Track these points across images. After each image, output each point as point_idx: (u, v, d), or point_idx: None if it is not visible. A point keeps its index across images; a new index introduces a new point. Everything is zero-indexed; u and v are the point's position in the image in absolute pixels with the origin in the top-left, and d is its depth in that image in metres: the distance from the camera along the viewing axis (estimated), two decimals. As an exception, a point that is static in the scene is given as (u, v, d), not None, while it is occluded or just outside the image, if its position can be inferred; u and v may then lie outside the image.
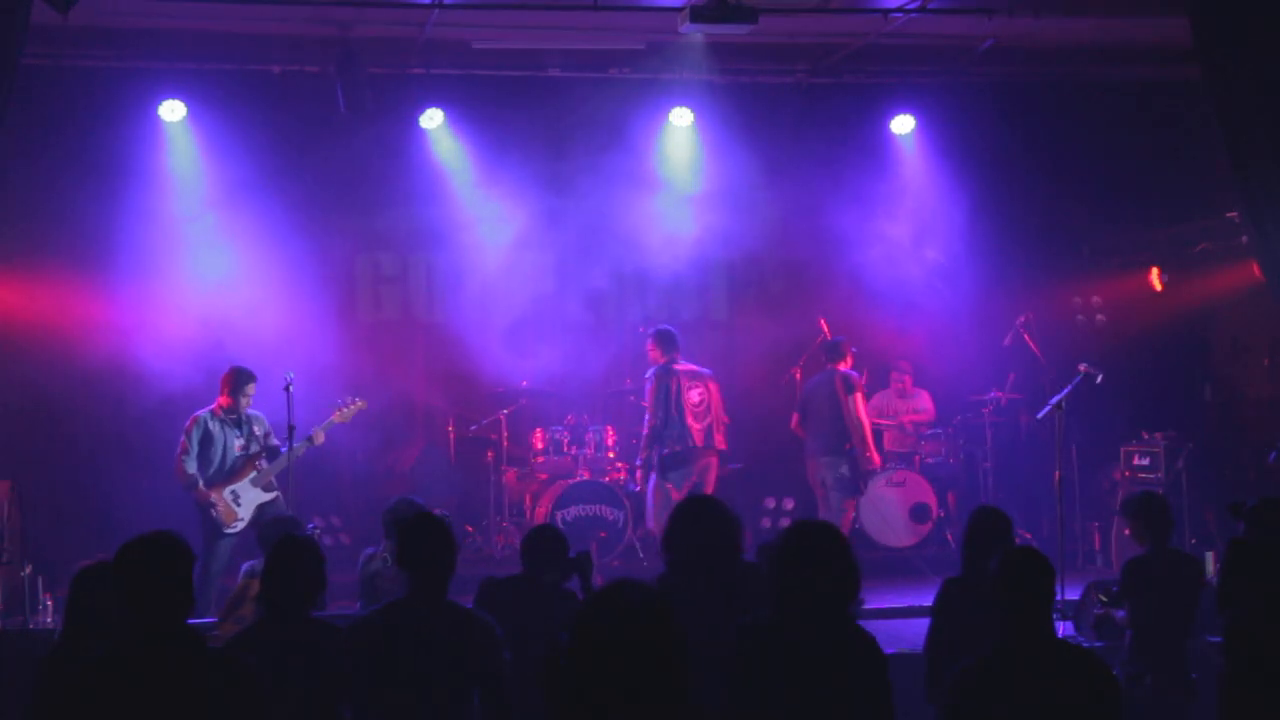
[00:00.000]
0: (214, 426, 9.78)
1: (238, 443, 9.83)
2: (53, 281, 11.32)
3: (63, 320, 11.35)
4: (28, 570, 9.72)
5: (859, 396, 11.15)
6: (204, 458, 9.74)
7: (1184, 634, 6.94)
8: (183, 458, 9.70)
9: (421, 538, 4.97)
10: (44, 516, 10.47)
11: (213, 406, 9.86)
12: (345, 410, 10.13)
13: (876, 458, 11.33)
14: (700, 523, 5.26)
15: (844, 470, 11.12)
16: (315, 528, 8.13)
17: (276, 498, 9.78)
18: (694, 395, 10.88)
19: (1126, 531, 11.34)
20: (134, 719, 3.90)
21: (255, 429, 9.88)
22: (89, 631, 4.85)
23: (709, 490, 10.57)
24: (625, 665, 2.90)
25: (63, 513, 10.74)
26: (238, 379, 9.81)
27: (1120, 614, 7.11)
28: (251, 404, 9.90)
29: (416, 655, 4.75)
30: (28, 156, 10.59)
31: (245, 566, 8.02)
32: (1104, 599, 7.46)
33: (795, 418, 11.57)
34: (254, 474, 9.78)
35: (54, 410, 11.32)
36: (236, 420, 9.83)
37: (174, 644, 4.00)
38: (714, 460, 11.02)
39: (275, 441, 9.90)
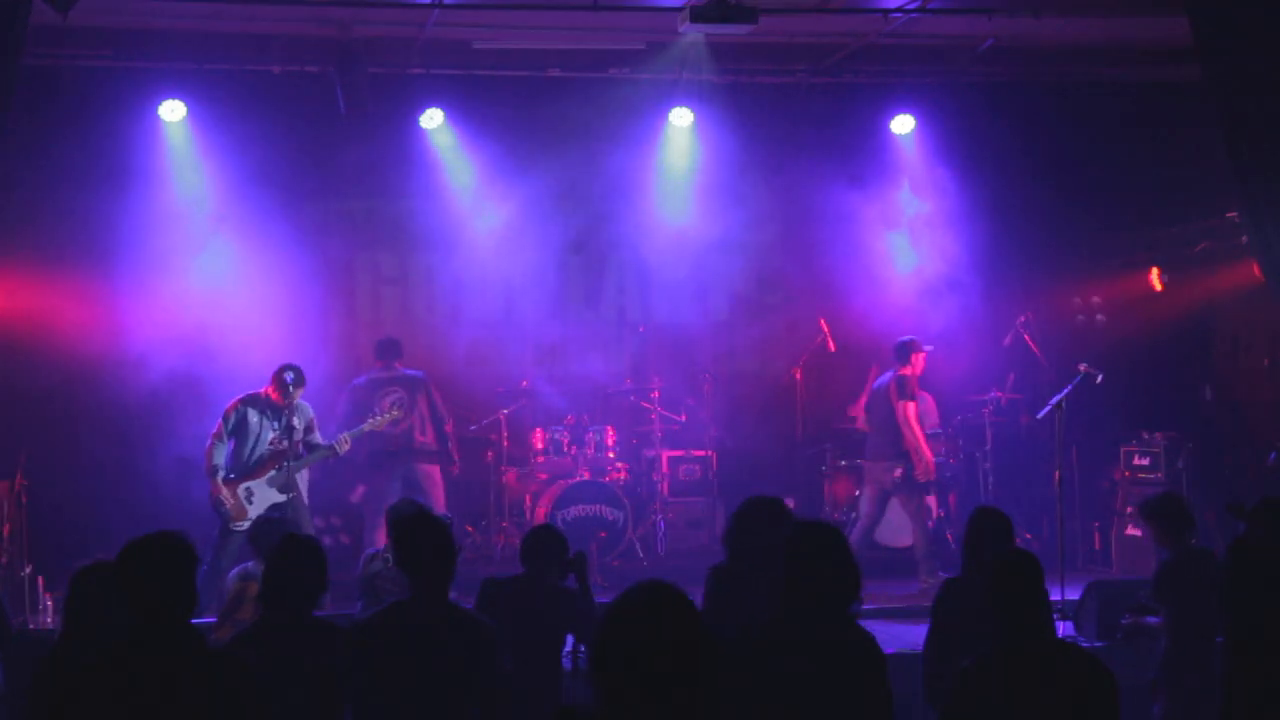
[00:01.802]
0: (253, 415, 9.73)
1: (271, 434, 9.76)
2: (53, 281, 11.31)
3: (63, 319, 11.34)
4: (28, 570, 9.74)
5: (912, 404, 10.83)
6: (236, 445, 9.72)
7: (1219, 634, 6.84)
8: (214, 442, 9.69)
9: (419, 539, 4.97)
10: (44, 516, 10.47)
11: (259, 391, 9.80)
12: (378, 419, 10.10)
13: (931, 467, 10.88)
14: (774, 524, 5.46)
15: (897, 474, 10.81)
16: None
17: (290, 499, 9.62)
18: (386, 401, 10.76)
19: (1130, 531, 11.40)
20: (133, 719, 3.90)
21: (295, 420, 9.67)
22: (89, 631, 4.85)
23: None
24: (652, 663, 2.92)
25: (63, 513, 10.74)
26: (290, 377, 9.65)
27: (1154, 620, 6.93)
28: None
29: (418, 657, 4.74)
30: (28, 156, 10.57)
31: (236, 569, 7.91)
32: (1133, 608, 7.30)
33: (861, 415, 11.41)
34: (273, 472, 9.72)
35: (54, 410, 11.32)
36: (277, 412, 9.76)
37: (175, 644, 4.00)
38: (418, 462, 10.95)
39: (316, 437, 9.85)
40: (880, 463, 10.95)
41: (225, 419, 9.73)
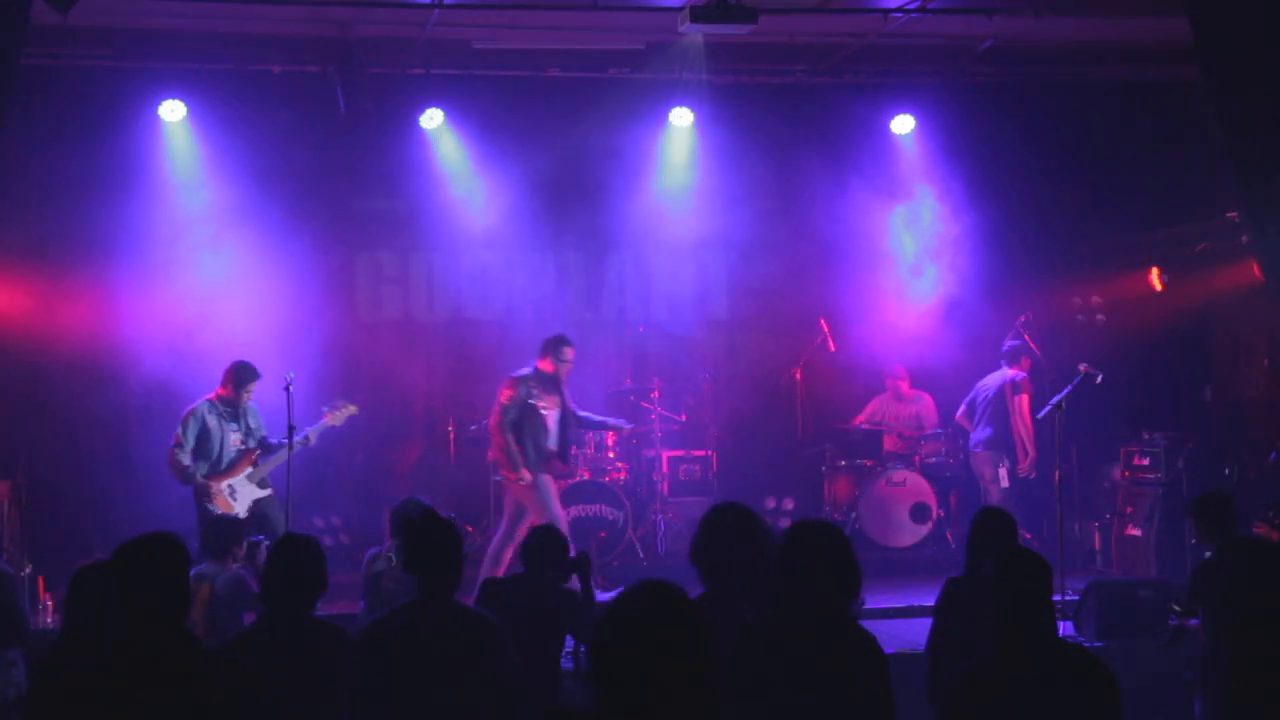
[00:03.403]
0: (211, 419, 9.73)
1: (234, 436, 9.79)
2: (52, 281, 11.33)
3: (63, 319, 11.35)
4: (28, 570, 9.73)
5: (1025, 399, 11.41)
6: (201, 451, 9.69)
7: None
8: (175, 450, 9.64)
9: (428, 539, 4.94)
10: (44, 516, 10.46)
11: (210, 396, 9.81)
12: (337, 413, 10.05)
13: (1033, 460, 11.44)
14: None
15: (1004, 467, 11.44)
16: (262, 539, 7.94)
17: (271, 494, 9.77)
18: None
19: (1130, 531, 11.40)
20: (133, 719, 3.89)
21: (251, 421, 9.87)
22: (88, 631, 4.85)
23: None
24: (652, 663, 2.92)
25: (63, 513, 10.74)
26: (242, 375, 9.78)
27: (1194, 623, 6.82)
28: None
29: (429, 658, 4.72)
30: (28, 156, 10.58)
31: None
32: (1177, 609, 7.25)
33: (962, 409, 11.93)
34: (250, 470, 9.77)
35: (54, 410, 11.32)
36: (234, 413, 9.81)
37: (172, 644, 4.00)
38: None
39: (265, 433, 9.92)
40: (986, 453, 11.58)
41: (183, 427, 9.69)
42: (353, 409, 10.12)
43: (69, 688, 3.99)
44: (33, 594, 9.62)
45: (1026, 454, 11.39)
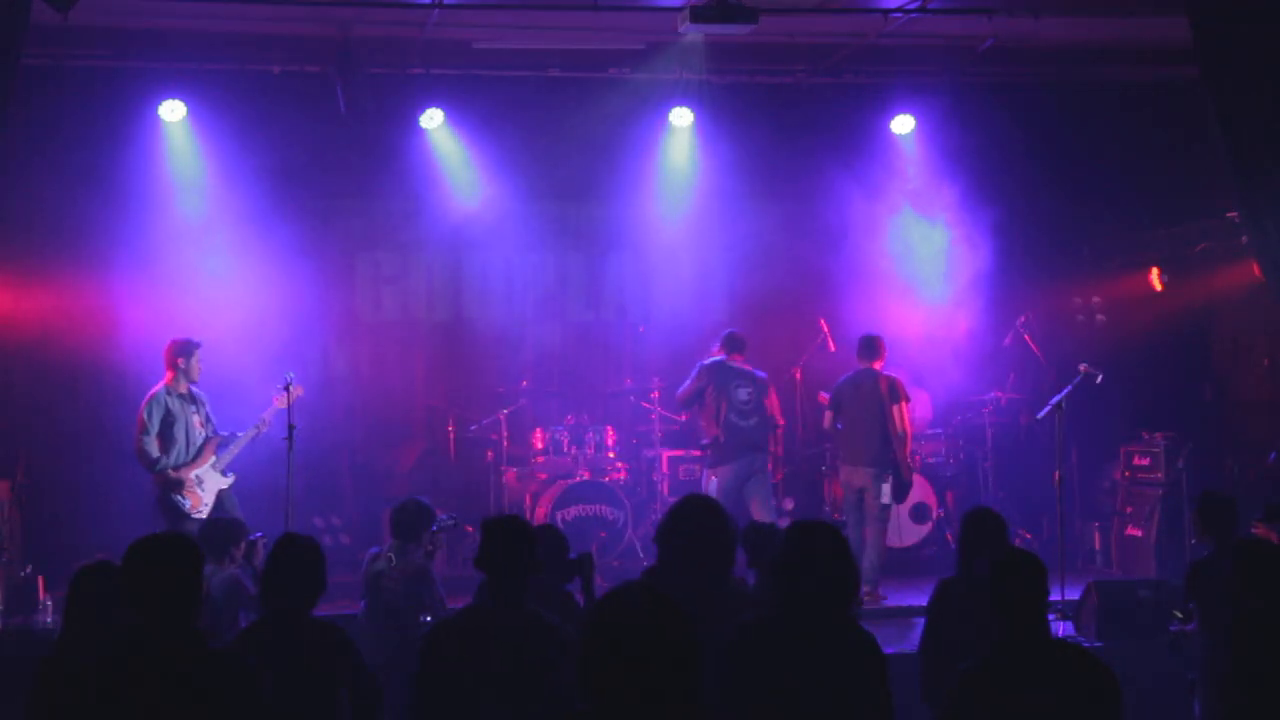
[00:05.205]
0: (173, 404, 9.57)
1: (196, 419, 9.66)
2: (52, 281, 11.33)
3: (62, 320, 11.35)
4: (28, 570, 9.74)
5: (905, 406, 10.47)
6: (167, 438, 9.50)
7: None
8: (143, 437, 9.44)
9: (504, 539, 4.91)
10: (44, 516, 10.45)
11: (166, 381, 9.62)
12: (284, 395, 9.77)
13: (914, 475, 10.72)
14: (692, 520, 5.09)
15: (888, 483, 10.41)
16: (261, 535, 7.90)
17: (232, 483, 9.65)
18: (741, 394, 10.65)
19: (1130, 531, 11.41)
20: (133, 718, 3.90)
21: (206, 408, 9.72)
22: (89, 631, 4.85)
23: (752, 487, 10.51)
24: (636, 666, 2.92)
25: (63, 513, 10.74)
26: (183, 346, 9.62)
27: (1193, 627, 6.81)
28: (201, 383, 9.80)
29: (493, 663, 4.69)
30: (27, 156, 10.58)
31: None
32: (1179, 615, 7.19)
33: (828, 417, 10.72)
34: (214, 458, 9.64)
35: (54, 410, 11.32)
36: (191, 396, 9.68)
37: (175, 644, 4.00)
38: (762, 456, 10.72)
39: (214, 423, 9.82)
40: (867, 469, 10.43)
41: (146, 413, 9.51)
42: (298, 390, 9.72)
43: (70, 688, 3.99)
44: (33, 594, 9.62)
45: (905, 462, 10.38)
